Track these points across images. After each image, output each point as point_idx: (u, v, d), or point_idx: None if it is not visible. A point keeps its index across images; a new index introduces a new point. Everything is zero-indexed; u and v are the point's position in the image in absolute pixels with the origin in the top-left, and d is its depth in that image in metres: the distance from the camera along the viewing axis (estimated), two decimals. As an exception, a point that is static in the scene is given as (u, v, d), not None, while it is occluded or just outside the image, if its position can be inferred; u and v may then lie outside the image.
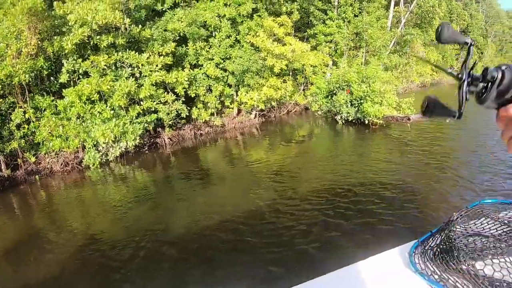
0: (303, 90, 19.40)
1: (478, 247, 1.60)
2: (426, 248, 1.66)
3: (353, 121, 13.68)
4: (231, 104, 17.29)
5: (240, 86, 16.72)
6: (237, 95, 16.94)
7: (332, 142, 13.22)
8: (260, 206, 7.06)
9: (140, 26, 14.02)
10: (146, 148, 13.57)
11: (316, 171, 9.28)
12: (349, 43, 22.21)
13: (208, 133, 16.17)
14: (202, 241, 6.02)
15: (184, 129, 15.86)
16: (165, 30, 15.19)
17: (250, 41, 15.80)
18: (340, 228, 5.84)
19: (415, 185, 7.56)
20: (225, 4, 17.07)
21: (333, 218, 6.21)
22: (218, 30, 16.73)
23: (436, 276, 1.45)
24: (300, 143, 13.31)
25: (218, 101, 16.34)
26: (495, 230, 1.70)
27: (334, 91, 14.15)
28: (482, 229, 1.73)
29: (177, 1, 16.83)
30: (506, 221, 1.72)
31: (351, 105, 13.35)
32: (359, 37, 22.58)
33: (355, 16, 22.98)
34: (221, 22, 16.63)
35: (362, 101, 12.59)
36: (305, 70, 17.78)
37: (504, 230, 1.67)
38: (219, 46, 16.44)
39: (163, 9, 16.80)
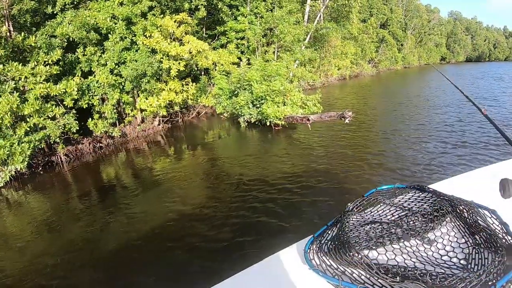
0: (210, 91, 17.89)
1: (374, 235, 1.59)
2: (321, 242, 1.62)
3: (256, 123, 12.32)
4: (131, 112, 15.42)
5: (139, 92, 14.93)
6: (136, 102, 15.23)
7: (234, 147, 11.91)
8: (168, 217, 6.72)
9: (23, 33, 11.91)
10: (41, 169, 11.69)
11: (216, 177, 8.83)
12: (261, 39, 20.99)
13: (109, 145, 14.53)
14: (117, 268, 5.38)
15: (83, 143, 13.94)
16: (52, 36, 13.30)
17: (143, 43, 13.99)
18: (245, 231, 5.83)
19: (314, 183, 7.51)
20: (121, 3, 15.19)
21: (238, 219, 6.26)
22: (112, 32, 14.87)
23: (331, 270, 1.42)
24: (204, 149, 12.20)
25: (115, 110, 14.54)
26: (391, 215, 1.73)
27: (236, 92, 12.74)
28: (378, 216, 1.75)
29: (67, 2, 14.75)
30: (402, 206, 1.76)
31: (253, 106, 11.95)
32: (272, 33, 21.46)
33: (270, 11, 21.85)
34: (115, 23, 14.75)
35: (262, 101, 11.29)
36: (211, 70, 16.29)
37: (400, 215, 1.71)
38: (113, 50, 14.57)
39: (54, 12, 14.69)
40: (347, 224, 1.66)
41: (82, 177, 11.17)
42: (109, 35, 14.69)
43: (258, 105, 11.68)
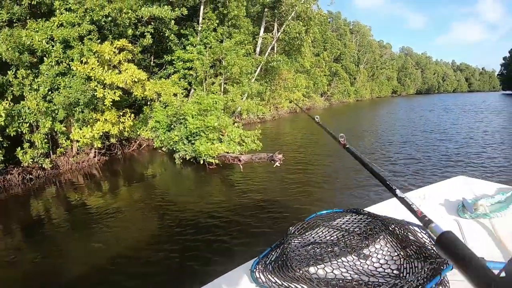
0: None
1: (314, 253, 1.73)
2: (266, 263, 1.74)
3: (191, 160, 11.45)
4: (65, 142, 14.31)
5: (74, 121, 13.92)
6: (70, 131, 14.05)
7: (168, 186, 11.07)
8: (99, 257, 6.25)
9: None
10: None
11: (147, 218, 8.32)
12: (209, 70, 20.47)
13: (40, 177, 13.35)
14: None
15: (12, 173, 12.76)
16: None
17: (77, 69, 13.06)
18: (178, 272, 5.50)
19: (246, 221, 7.31)
20: (60, 25, 14.27)
21: (171, 254, 6.01)
22: (48, 55, 13.88)
23: (277, 286, 1.54)
24: (139, 186, 11.31)
25: (46, 140, 13.31)
26: (330, 236, 1.89)
27: (172, 126, 11.98)
28: (318, 237, 1.90)
29: (4, 19, 13.64)
30: (340, 227, 1.94)
31: (188, 142, 11.20)
32: (220, 64, 21.03)
33: (221, 42, 21.46)
34: (53, 46, 13.80)
35: (197, 137, 10.58)
36: (154, 101, 15.50)
37: (338, 235, 1.88)
38: (47, 74, 13.56)
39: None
40: (289, 245, 1.77)
41: (8, 210, 10.32)
42: (45, 58, 13.77)
43: (193, 141, 10.92)
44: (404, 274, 1.51)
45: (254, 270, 1.69)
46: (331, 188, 9.38)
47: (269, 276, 1.61)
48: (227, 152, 10.20)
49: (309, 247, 1.80)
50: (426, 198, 2.43)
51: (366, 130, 21.79)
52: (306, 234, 1.94)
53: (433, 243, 1.28)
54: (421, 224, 1.51)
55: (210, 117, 10.45)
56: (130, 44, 14.79)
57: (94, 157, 15.34)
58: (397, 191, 1.31)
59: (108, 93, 13.23)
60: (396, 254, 1.67)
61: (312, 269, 1.59)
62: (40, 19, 14.44)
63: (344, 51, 63.64)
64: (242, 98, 23.71)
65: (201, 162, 10.30)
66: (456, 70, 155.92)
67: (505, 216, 1.98)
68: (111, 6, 14.87)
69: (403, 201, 1.27)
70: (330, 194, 8.82)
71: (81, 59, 13.70)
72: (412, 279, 1.40)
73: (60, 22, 14.30)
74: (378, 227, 1.86)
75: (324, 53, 51.36)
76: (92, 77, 13.15)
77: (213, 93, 18.44)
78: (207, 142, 10.05)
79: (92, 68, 13.08)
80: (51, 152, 13.97)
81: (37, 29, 13.94)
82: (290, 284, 1.51)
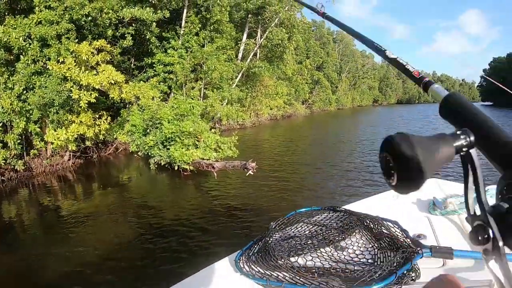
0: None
1: (294, 245, 1.84)
2: (249, 254, 1.85)
3: (166, 166, 11.15)
4: (39, 144, 13.99)
5: (48, 122, 13.60)
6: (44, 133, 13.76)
7: (142, 191, 10.79)
8: (71, 260, 6.08)
9: None
10: None
11: (119, 223, 8.10)
12: (189, 74, 20.29)
13: (12, 179, 13.02)
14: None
15: None
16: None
17: (53, 68, 12.76)
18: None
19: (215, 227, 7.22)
20: (39, 22, 13.94)
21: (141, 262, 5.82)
22: (24, 53, 13.56)
23: (260, 274, 1.64)
24: (112, 190, 11.07)
25: (19, 140, 13.05)
26: (309, 230, 2.02)
27: (148, 130, 11.76)
28: (297, 231, 2.03)
29: None
30: (318, 223, 2.08)
31: (164, 147, 11.01)
32: (201, 69, 20.88)
33: (202, 46, 21.31)
34: (30, 44, 13.50)
35: (172, 142, 10.40)
36: (130, 104, 15.24)
37: (316, 229, 2.02)
38: (23, 73, 13.23)
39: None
40: (271, 238, 1.90)
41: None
42: (21, 56, 13.42)
43: (168, 147, 10.73)
44: (378, 263, 1.61)
45: (238, 261, 1.78)
46: (305, 195, 9.41)
47: (252, 266, 1.72)
48: (202, 159, 10.07)
49: (290, 240, 1.92)
50: (399, 197, 2.52)
51: (346, 139, 21.87)
52: (286, 229, 2.06)
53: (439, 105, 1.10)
54: (394, 220, 1.83)
55: (185, 122, 10.29)
56: (108, 45, 14.51)
57: (69, 160, 14.96)
58: (387, 52, 1.19)
59: (84, 94, 12.94)
60: (370, 245, 1.79)
61: (292, 259, 1.70)
62: (18, 16, 14.11)
63: (326, 59, 64.16)
64: (222, 104, 23.60)
65: (176, 168, 10.14)
66: (436, 81, 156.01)
67: None
68: (91, 5, 14.61)
69: (395, 61, 1.14)
70: (304, 201, 8.70)
71: (58, 58, 13.39)
72: (385, 266, 1.52)
73: (38, 20, 13.97)
74: (354, 222, 2.00)
75: (306, 61, 51.56)
76: (68, 78, 12.82)
77: (192, 98, 18.28)
78: (182, 148, 9.88)
79: (69, 68, 12.75)
80: (24, 153, 13.60)
81: (15, 26, 13.59)
82: (272, 273, 1.62)
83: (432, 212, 2.26)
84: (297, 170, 12.64)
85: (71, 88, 12.79)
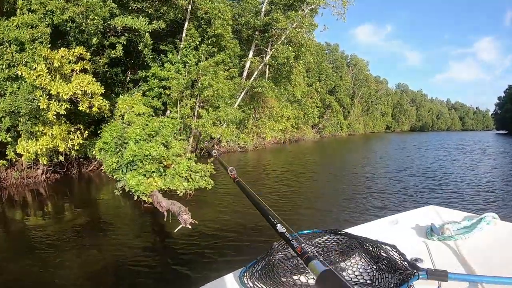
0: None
1: (296, 265, 1.85)
2: (253, 271, 1.88)
3: (130, 193, 9.04)
4: (10, 154, 13.07)
5: (21, 132, 12.49)
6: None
7: (102, 218, 9.38)
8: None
9: None
10: None
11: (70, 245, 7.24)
12: (185, 90, 18.95)
13: None
14: None
15: None
16: None
17: (21, 74, 11.55)
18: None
19: None
20: (19, 26, 12.88)
21: None
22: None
23: None
24: (77, 213, 9.97)
25: None
26: (311, 251, 1.80)
27: (117, 149, 10.22)
28: None
29: None
30: (318, 244, 2.10)
31: (128, 170, 9.36)
32: (197, 85, 19.53)
33: (199, 61, 19.99)
34: (6, 48, 12.48)
35: (135, 167, 8.78)
36: (111, 118, 13.84)
37: (317, 251, 2.01)
38: (-1, 78, 12.25)
39: None
40: (274, 257, 1.93)
41: None
42: None
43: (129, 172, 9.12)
44: (376, 283, 1.66)
45: (242, 277, 1.83)
46: (305, 219, 9.04)
47: (255, 282, 1.76)
48: (167, 189, 8.41)
49: (292, 259, 1.93)
50: (398, 223, 2.61)
51: (352, 169, 20.14)
52: (289, 249, 2.00)
53: (316, 279, 1.33)
54: (393, 244, 1.94)
55: (149, 144, 8.68)
56: (88, 53, 13.24)
57: (42, 174, 14.06)
58: (278, 226, 1.57)
59: (54, 105, 11.62)
60: (369, 267, 1.82)
61: (295, 277, 1.74)
62: None
63: (339, 83, 62.77)
64: (221, 124, 22.20)
65: (136, 198, 8.48)
66: (450, 109, 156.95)
67: (469, 238, 2.17)
68: (72, 10, 13.40)
69: (283, 236, 1.52)
70: (304, 224, 8.44)
71: (32, 64, 12.22)
72: (383, 286, 1.61)
73: (20, 23, 12.92)
74: (354, 244, 2.02)
75: (316, 83, 50.19)
76: (38, 85, 11.56)
77: (185, 116, 16.98)
78: (140, 175, 8.27)
79: (39, 75, 11.49)
80: None
81: None
82: None
83: (429, 237, 2.29)
84: (295, 194, 12.37)
85: (40, 97, 11.51)
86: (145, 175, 8.25)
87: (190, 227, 6.10)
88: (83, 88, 11.75)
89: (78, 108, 12.29)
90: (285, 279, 1.70)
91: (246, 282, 1.78)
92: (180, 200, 9.18)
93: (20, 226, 8.87)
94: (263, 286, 1.70)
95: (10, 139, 12.73)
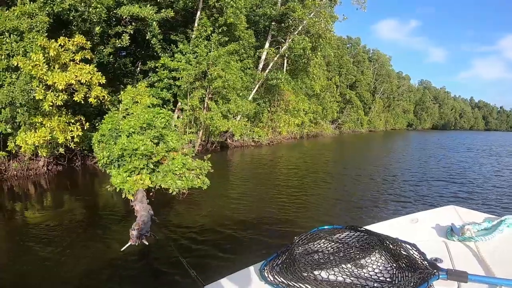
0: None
1: (317, 260, 1.88)
2: (273, 265, 1.90)
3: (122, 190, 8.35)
4: (10, 145, 12.67)
5: (20, 124, 12.17)
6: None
7: (97, 215, 8.95)
8: None
9: None
10: None
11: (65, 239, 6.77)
12: (195, 82, 18.26)
13: None
14: None
15: None
16: None
17: (18, 64, 11.05)
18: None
19: None
20: (19, 16, 12.46)
21: None
22: None
23: (284, 285, 1.69)
24: (74, 207, 9.80)
25: None
26: (331, 248, 2.04)
27: (113, 143, 9.48)
28: (320, 247, 2.06)
29: None
30: (339, 240, 2.10)
31: (119, 166, 8.67)
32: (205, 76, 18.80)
33: (210, 51, 19.28)
34: (7, 38, 12.11)
35: (124, 163, 8.03)
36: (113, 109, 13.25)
37: (338, 246, 2.04)
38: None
39: None
40: (294, 251, 1.95)
41: None
42: None
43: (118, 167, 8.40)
44: (396, 282, 1.64)
45: (263, 270, 1.86)
46: (320, 214, 9.01)
47: (276, 276, 1.78)
48: (158, 188, 7.64)
49: (313, 254, 1.95)
50: (418, 222, 2.57)
51: (372, 168, 19.13)
52: (309, 244, 2.08)
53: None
54: (413, 243, 1.92)
55: (138, 137, 7.87)
56: (88, 42, 12.69)
57: (44, 166, 13.72)
58: None
59: (51, 95, 11.09)
60: (389, 265, 1.81)
61: (316, 272, 1.73)
62: (0, 8, 12.86)
63: (360, 78, 61.17)
64: (234, 117, 21.45)
65: (123, 196, 7.74)
66: (474, 107, 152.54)
67: (489, 240, 2.11)
68: (73, -3, 12.88)
69: None
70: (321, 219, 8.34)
71: (29, 54, 11.75)
72: (403, 285, 1.58)
73: (20, 12, 12.51)
74: (374, 242, 1.99)
75: (336, 77, 48.83)
76: (35, 75, 11.05)
77: (195, 108, 16.30)
78: (128, 171, 7.50)
79: (36, 65, 10.97)
80: None
81: None
82: (295, 284, 1.66)
83: (449, 238, 2.25)
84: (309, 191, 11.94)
85: (36, 88, 11.02)
86: (133, 171, 7.50)
87: (145, 243, 5.26)
88: (78, 78, 11.15)
89: (74, 98, 11.72)
90: (306, 274, 1.68)
91: (266, 275, 1.81)
92: (173, 200, 8.51)
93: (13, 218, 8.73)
94: (283, 280, 1.71)
95: (10, 130, 12.40)
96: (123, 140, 7.81)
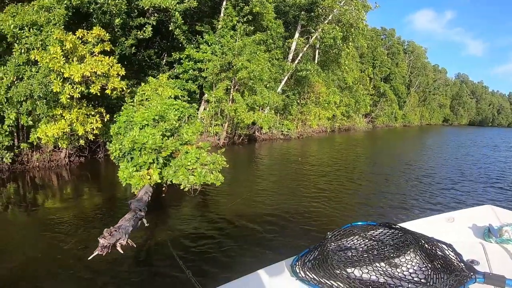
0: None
1: (350, 257, 1.86)
2: (305, 261, 1.90)
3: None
4: (32, 137, 12.50)
5: (41, 115, 12.03)
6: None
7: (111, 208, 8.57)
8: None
9: None
10: None
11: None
12: (221, 73, 17.80)
13: (3, 171, 12.26)
14: None
15: None
16: None
17: (35, 57, 10.98)
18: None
19: None
20: (39, 9, 12.43)
21: None
22: (18, 41, 12.07)
23: (315, 281, 1.69)
24: (91, 198, 9.69)
25: (7, 132, 12.05)
26: (364, 245, 2.02)
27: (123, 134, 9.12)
28: (353, 244, 2.04)
29: None
30: (373, 238, 2.07)
31: (131, 159, 8.19)
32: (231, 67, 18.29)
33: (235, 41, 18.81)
34: (28, 31, 12.10)
35: (133, 156, 7.52)
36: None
37: (372, 244, 2.00)
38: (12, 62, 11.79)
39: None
40: (328, 248, 1.91)
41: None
42: (15, 44, 11.88)
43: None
44: (431, 283, 1.61)
45: (294, 266, 1.88)
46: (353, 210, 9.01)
47: (307, 272, 1.78)
48: (169, 184, 7.13)
49: (346, 251, 1.94)
50: (454, 221, 2.54)
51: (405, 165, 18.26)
52: (342, 240, 2.06)
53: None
54: (449, 243, 1.85)
55: (150, 130, 7.34)
56: (107, 34, 12.50)
57: (65, 157, 13.71)
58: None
59: (68, 87, 10.93)
60: (424, 265, 1.78)
61: (349, 270, 1.70)
62: (20, 4, 12.71)
63: (394, 70, 59.13)
64: (261, 110, 20.90)
65: (131, 191, 7.25)
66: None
67: None
68: (91, -11, 12.69)
69: None
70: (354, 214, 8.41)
71: (48, 47, 11.68)
72: (438, 287, 1.55)
73: (39, 7, 12.43)
74: (409, 240, 1.96)
75: (369, 69, 47.28)
76: (52, 68, 10.93)
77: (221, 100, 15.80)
78: (133, 166, 7.02)
79: (53, 57, 10.84)
80: (15, 146, 12.61)
81: (15, 14, 12.15)
82: (326, 281, 1.66)
83: (486, 239, 2.21)
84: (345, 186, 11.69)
85: (54, 80, 10.88)
86: (142, 166, 7.03)
87: (120, 251, 4.63)
88: (94, 70, 10.92)
89: (90, 90, 11.52)
90: (338, 271, 1.65)
91: (298, 271, 1.82)
92: (185, 196, 8.06)
93: (29, 206, 8.77)
94: (315, 276, 1.72)
95: (31, 122, 12.40)
96: (134, 133, 7.34)
